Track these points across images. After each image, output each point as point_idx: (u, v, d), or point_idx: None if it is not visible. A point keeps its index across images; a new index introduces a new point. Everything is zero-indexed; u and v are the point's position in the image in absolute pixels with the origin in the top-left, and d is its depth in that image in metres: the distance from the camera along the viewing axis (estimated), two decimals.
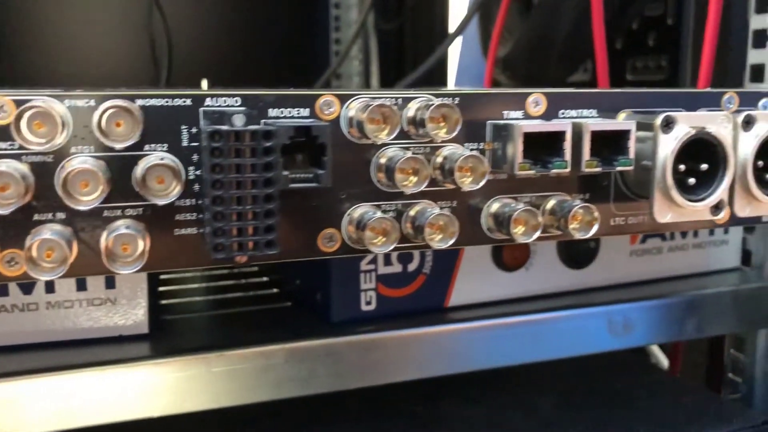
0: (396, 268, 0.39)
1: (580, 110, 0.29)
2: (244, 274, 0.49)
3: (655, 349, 0.60)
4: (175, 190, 0.24)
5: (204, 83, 0.70)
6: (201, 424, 0.42)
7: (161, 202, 0.24)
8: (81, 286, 0.35)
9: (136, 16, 0.80)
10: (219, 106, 0.25)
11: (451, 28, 0.95)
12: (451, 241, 0.27)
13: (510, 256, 0.41)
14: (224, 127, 0.22)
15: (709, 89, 0.32)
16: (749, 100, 0.32)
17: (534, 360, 0.40)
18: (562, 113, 0.29)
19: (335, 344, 0.36)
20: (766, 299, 0.46)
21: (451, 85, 0.95)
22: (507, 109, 0.29)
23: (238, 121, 0.22)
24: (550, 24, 0.69)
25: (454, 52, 0.98)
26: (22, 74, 0.75)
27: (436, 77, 0.91)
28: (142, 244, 0.23)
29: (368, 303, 0.38)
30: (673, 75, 0.62)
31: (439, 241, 0.27)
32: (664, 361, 0.58)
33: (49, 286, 0.34)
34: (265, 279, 0.47)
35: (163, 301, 0.43)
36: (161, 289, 0.45)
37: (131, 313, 0.36)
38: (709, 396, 0.48)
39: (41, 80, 0.75)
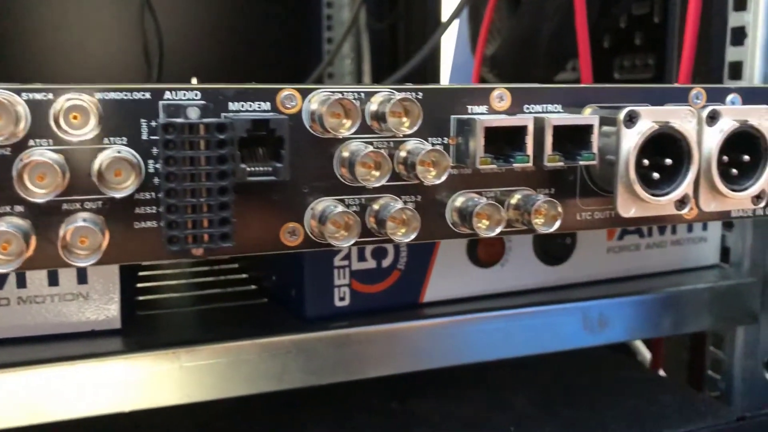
0: (370, 263, 0.39)
1: (545, 105, 0.29)
2: (223, 270, 0.49)
3: (640, 346, 0.60)
4: (133, 183, 0.24)
5: (194, 81, 0.70)
6: (174, 419, 0.42)
7: (119, 195, 0.24)
8: (53, 281, 0.35)
9: (128, 15, 0.80)
10: (179, 99, 0.25)
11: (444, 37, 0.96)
12: (413, 235, 0.27)
13: (485, 253, 0.41)
14: (178, 120, 0.22)
15: (676, 85, 0.32)
16: (717, 96, 0.32)
17: (508, 356, 0.40)
18: (527, 108, 0.29)
19: (307, 340, 0.36)
20: (745, 296, 0.46)
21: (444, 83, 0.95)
22: (471, 104, 0.29)
23: (193, 114, 0.22)
24: (535, 23, 0.69)
25: (448, 51, 0.98)
26: (15, 73, 0.75)
27: (429, 76, 0.91)
28: (100, 237, 0.24)
29: (342, 299, 0.38)
30: (659, 74, 0.63)
31: (402, 235, 0.27)
32: (646, 358, 0.58)
33: (21, 281, 0.34)
34: (244, 276, 0.47)
35: (141, 297, 0.43)
36: (140, 285, 0.45)
37: (104, 308, 0.36)
38: (687, 393, 0.48)
39: (33, 79, 0.75)
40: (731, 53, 0.47)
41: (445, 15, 0.93)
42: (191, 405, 0.35)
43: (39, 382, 0.32)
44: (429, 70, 0.92)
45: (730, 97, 0.32)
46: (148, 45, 0.81)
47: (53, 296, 0.35)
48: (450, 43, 1.00)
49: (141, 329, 0.37)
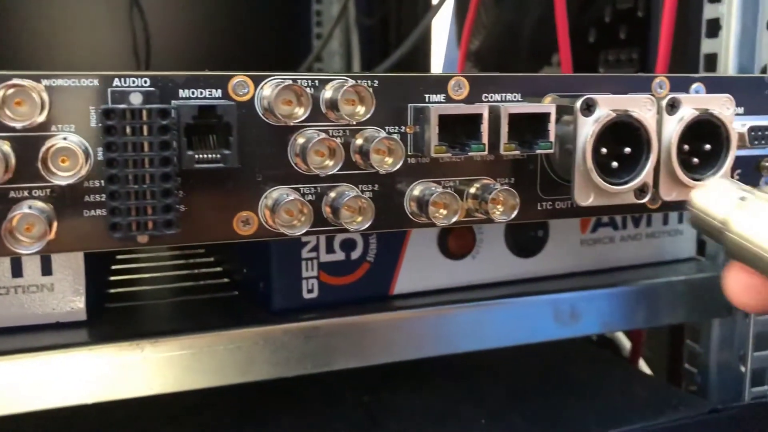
0: (339, 256, 0.39)
1: (503, 94, 0.29)
2: (198, 264, 0.49)
3: (623, 340, 0.60)
4: (80, 171, 0.24)
5: None
6: (143, 411, 0.42)
7: (65, 182, 0.24)
8: (17, 272, 0.35)
9: (117, 12, 0.80)
10: (128, 86, 0.24)
11: (435, 22, 0.95)
12: (368, 224, 0.27)
13: (456, 245, 0.41)
14: (119, 105, 0.22)
15: (639, 74, 0.32)
16: (682, 86, 0.32)
17: (479, 348, 0.40)
18: (486, 97, 0.29)
19: (274, 331, 0.36)
20: (720, 289, 0.46)
21: None
22: (429, 92, 0.29)
23: (135, 100, 0.22)
24: (517, 17, 0.69)
25: (440, 47, 0.98)
26: (5, 68, 0.75)
27: (420, 70, 0.91)
28: (45, 225, 0.23)
29: (310, 291, 0.38)
30: (643, 68, 0.63)
31: (358, 224, 0.27)
32: (627, 351, 0.58)
33: None
34: (219, 269, 0.47)
35: (112, 290, 0.43)
36: (113, 278, 0.45)
37: (69, 300, 0.36)
38: (661, 386, 0.48)
39: None
40: (706, 45, 0.47)
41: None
42: (161, 397, 0.35)
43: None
44: (420, 65, 0.93)
45: (694, 86, 0.32)
46: (137, 41, 0.81)
47: (17, 288, 0.35)
48: (442, 39, 1.00)
49: (107, 321, 0.37)
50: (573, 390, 0.45)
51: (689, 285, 0.45)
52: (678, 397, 0.45)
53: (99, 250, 0.25)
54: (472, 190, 0.29)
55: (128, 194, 0.22)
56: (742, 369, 0.47)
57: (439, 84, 0.29)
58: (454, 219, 0.28)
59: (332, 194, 0.27)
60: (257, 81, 0.26)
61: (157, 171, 0.22)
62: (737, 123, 0.31)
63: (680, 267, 0.47)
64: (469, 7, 0.69)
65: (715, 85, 0.33)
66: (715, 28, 0.46)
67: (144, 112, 0.22)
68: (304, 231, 0.26)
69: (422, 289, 0.41)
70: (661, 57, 0.51)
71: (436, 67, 0.97)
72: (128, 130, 0.22)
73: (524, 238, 0.43)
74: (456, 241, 0.41)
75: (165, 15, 0.83)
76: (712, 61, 0.47)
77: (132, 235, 0.23)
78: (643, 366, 0.57)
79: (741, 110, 0.33)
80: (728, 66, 0.45)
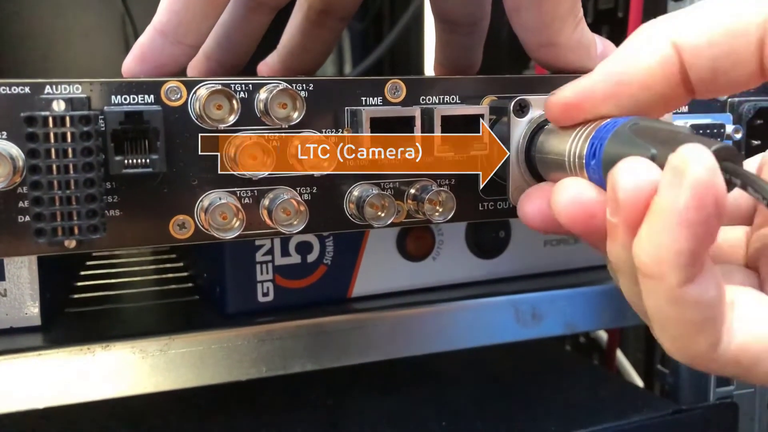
0: (294, 259, 0.39)
1: (441, 96, 0.29)
2: (168, 269, 0.49)
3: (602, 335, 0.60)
4: (9, 176, 0.24)
5: None
6: (103, 415, 0.42)
7: None
8: None
9: (110, 23, 0.81)
10: (60, 93, 0.25)
11: (428, 27, 0.96)
12: (301, 227, 0.27)
13: (414, 246, 0.41)
14: (40, 113, 0.22)
15: (577, 74, 0.32)
16: None
17: (438, 351, 0.40)
18: (423, 100, 0.29)
19: (226, 335, 0.36)
20: None
21: None
22: (366, 95, 0.29)
23: (57, 107, 0.22)
24: (495, 16, 0.69)
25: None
26: (3, 76, 0.76)
27: (413, 71, 0.92)
28: None
29: (265, 294, 0.38)
30: None
31: (294, 226, 0.27)
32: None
33: None
34: (186, 274, 0.48)
35: (76, 295, 0.43)
36: (81, 283, 0.45)
37: (23, 305, 0.36)
38: (628, 387, 0.48)
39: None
40: None
41: (429, 16, 0.93)
42: (120, 401, 0.35)
43: None
44: (413, 66, 0.93)
45: None
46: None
47: None
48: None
49: (63, 326, 0.37)
50: (537, 391, 0.45)
51: None
52: (644, 398, 0.45)
53: (33, 255, 0.25)
54: (412, 191, 0.29)
55: (52, 200, 0.22)
56: None
57: (376, 87, 0.29)
58: (390, 220, 0.28)
59: (269, 196, 0.28)
60: (190, 86, 0.26)
61: (80, 177, 0.22)
62: (680, 121, 0.32)
63: None
64: None
65: None
66: None
67: (67, 119, 0.22)
68: (235, 235, 0.26)
69: (381, 291, 0.41)
70: None
71: (431, 67, 0.97)
72: (51, 137, 0.22)
73: (485, 239, 0.43)
74: (415, 243, 0.41)
75: None
76: None
77: (58, 240, 0.23)
78: (628, 367, 0.57)
79: (685, 108, 0.33)
80: None
